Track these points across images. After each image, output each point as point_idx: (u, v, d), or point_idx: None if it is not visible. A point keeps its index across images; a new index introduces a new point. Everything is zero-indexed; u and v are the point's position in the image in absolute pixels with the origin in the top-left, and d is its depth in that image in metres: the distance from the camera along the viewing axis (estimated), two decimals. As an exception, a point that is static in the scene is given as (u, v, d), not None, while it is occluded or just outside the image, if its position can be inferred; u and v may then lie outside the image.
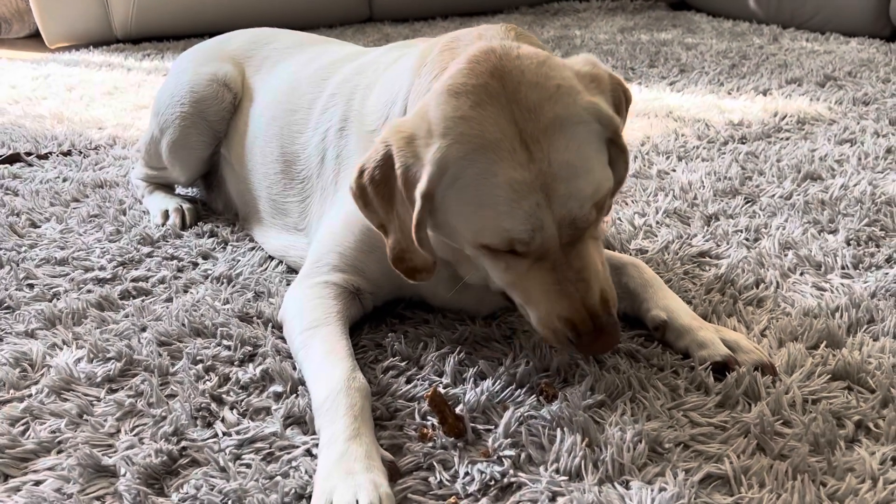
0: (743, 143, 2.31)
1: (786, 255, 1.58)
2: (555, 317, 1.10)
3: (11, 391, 1.20)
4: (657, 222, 1.77)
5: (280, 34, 1.97)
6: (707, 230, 1.72)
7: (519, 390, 1.17)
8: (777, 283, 1.48)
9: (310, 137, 1.55)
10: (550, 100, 1.07)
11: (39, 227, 1.84)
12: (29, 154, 2.34)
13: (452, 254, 1.24)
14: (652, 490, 0.96)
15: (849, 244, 1.61)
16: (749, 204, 1.86)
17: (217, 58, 1.91)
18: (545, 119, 1.06)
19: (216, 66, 1.88)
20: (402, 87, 1.28)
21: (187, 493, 0.98)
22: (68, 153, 2.38)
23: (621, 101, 1.20)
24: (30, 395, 1.19)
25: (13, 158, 2.30)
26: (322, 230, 1.42)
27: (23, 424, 1.13)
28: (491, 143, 1.05)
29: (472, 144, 1.05)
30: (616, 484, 0.98)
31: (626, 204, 1.88)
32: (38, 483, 1.02)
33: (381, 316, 1.40)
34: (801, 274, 1.52)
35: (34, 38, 4.82)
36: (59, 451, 1.08)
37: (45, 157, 2.34)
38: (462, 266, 1.27)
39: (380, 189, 1.12)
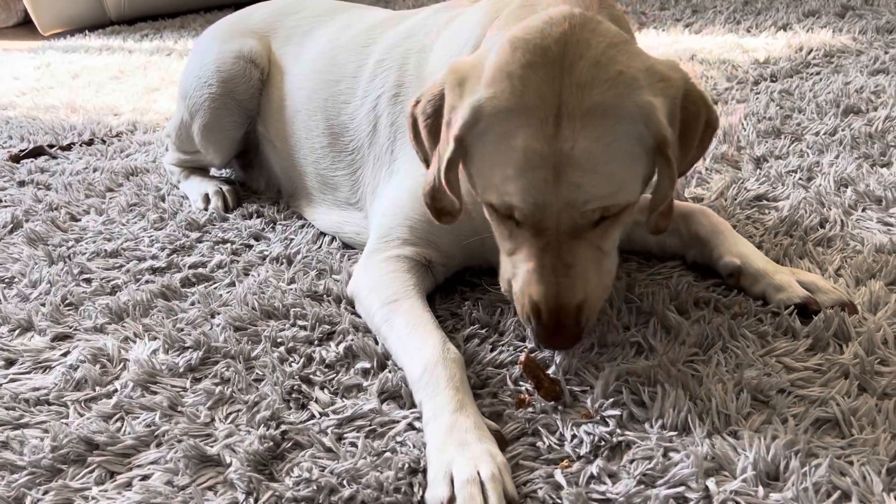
0: (774, 81, 2.28)
1: (844, 192, 1.57)
2: (526, 295, 1.07)
3: (97, 388, 1.19)
4: (707, 168, 1.75)
5: (304, 3, 1.91)
6: (759, 173, 1.70)
7: (608, 349, 1.16)
8: (841, 221, 1.47)
9: (358, 107, 1.51)
10: (605, 84, 1.00)
11: (79, 219, 1.81)
12: (51, 146, 2.30)
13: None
14: (764, 438, 0.96)
15: (905, 176, 1.60)
16: (795, 143, 1.84)
17: (240, 33, 1.86)
18: (590, 101, 0.99)
19: (240, 42, 1.83)
20: (467, 40, 1.25)
21: (300, 476, 0.97)
22: (90, 142, 2.34)
23: (694, 117, 1.07)
24: (115, 391, 1.18)
25: (37, 152, 2.26)
26: (386, 202, 1.40)
27: (117, 420, 1.12)
28: (525, 108, 1.01)
29: (508, 103, 1.02)
30: (725, 435, 0.98)
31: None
32: (145, 478, 1.02)
33: (450, 286, 1.38)
34: (864, 210, 1.51)
35: (24, 27, 4.73)
36: (159, 444, 1.07)
37: (68, 147, 2.30)
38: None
39: (428, 124, 1.12)
